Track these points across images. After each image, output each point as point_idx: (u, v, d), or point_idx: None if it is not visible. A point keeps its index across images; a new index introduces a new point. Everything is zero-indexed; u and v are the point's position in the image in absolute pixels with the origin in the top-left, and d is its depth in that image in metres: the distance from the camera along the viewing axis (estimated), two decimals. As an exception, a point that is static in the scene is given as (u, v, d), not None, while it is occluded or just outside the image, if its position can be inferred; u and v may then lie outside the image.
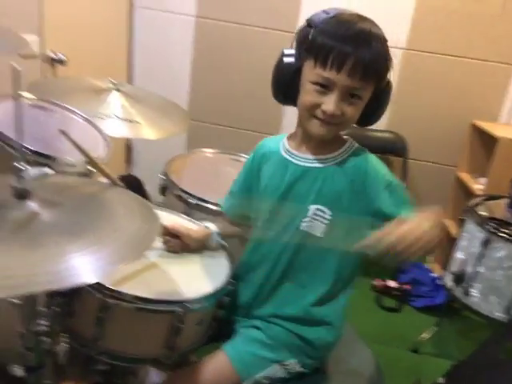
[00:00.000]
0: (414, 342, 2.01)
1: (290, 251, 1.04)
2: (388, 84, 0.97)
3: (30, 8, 1.79)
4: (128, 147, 2.89)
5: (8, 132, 1.08)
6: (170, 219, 1.23)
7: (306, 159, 1.03)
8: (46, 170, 0.73)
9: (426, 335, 2.02)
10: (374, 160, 1.01)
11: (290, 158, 1.05)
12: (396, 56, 2.52)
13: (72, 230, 0.70)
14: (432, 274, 2.46)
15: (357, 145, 1.04)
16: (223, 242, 1.19)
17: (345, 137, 1.04)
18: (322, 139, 1.00)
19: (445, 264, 1.96)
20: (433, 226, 0.83)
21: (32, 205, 0.71)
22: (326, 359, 1.14)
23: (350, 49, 0.88)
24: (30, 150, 1.07)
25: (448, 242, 2.57)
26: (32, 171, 0.71)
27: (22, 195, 0.70)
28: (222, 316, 1.12)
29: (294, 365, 1.06)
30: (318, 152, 1.02)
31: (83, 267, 0.65)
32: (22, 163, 0.69)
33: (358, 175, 0.98)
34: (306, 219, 1.01)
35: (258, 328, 1.08)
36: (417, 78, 2.56)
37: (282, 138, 1.11)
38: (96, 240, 0.69)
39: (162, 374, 1.50)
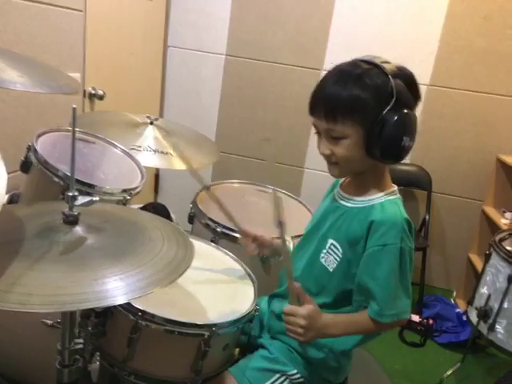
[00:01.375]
0: (438, 379, 1.97)
1: (309, 280, 1.08)
2: (384, 118, 0.92)
3: (75, 49, 1.94)
4: (156, 177, 3.00)
5: (52, 161, 1.17)
6: (198, 247, 1.29)
7: (342, 197, 1.08)
8: (94, 198, 0.80)
9: (450, 371, 1.98)
10: (389, 216, 0.97)
11: (336, 195, 1.11)
12: (421, 92, 2.57)
13: (114, 254, 0.77)
14: (457, 310, 2.42)
15: (394, 197, 1.02)
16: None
17: (391, 187, 1.03)
18: (349, 179, 1.07)
19: (469, 299, 1.94)
20: (308, 332, 0.96)
21: (79, 230, 0.79)
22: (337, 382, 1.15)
23: (321, 93, 0.96)
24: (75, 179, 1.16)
25: (473, 277, 2.55)
26: (80, 199, 0.79)
27: (72, 221, 0.78)
28: (243, 342, 1.16)
29: (296, 375, 1.08)
30: (353, 193, 1.06)
31: (123, 289, 0.71)
32: (73, 192, 0.77)
33: (367, 225, 0.98)
34: (324, 251, 1.07)
35: (262, 346, 1.13)
36: (441, 112, 2.61)
37: None
38: (136, 264, 0.75)
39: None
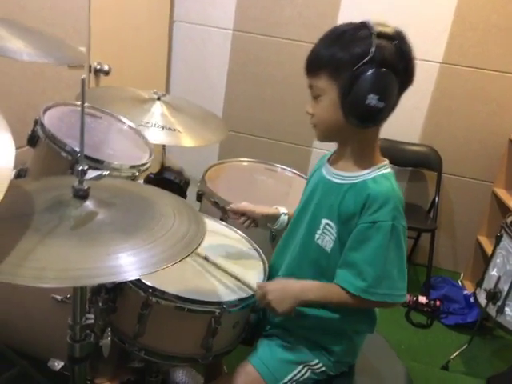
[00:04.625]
0: (444, 360, 1.97)
1: (306, 264, 1.06)
2: (355, 74, 0.89)
3: (80, 22, 1.89)
4: (162, 154, 2.97)
5: (60, 135, 1.15)
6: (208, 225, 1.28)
7: (331, 173, 1.05)
8: (104, 172, 0.78)
9: (457, 353, 1.98)
10: (383, 191, 0.95)
11: (324, 171, 1.08)
12: (432, 70, 2.53)
13: (126, 229, 0.75)
14: (464, 291, 2.42)
15: (386, 171, 1.00)
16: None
17: (382, 161, 1.01)
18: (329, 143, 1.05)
19: (478, 281, 1.92)
20: (280, 304, 0.99)
21: (90, 204, 0.77)
22: (353, 364, 1.15)
23: (310, 51, 0.98)
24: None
25: (482, 259, 2.54)
26: (90, 173, 0.77)
27: (82, 195, 0.76)
28: (253, 320, 1.15)
29: (318, 365, 1.07)
30: (342, 168, 1.03)
31: (136, 264, 0.69)
32: (83, 166, 0.75)
33: (362, 201, 0.95)
34: (319, 232, 1.04)
35: (278, 336, 1.11)
36: (453, 92, 2.55)
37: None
38: (148, 239, 0.74)
39: (191, 377, 1.54)
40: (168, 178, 1.79)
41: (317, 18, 2.57)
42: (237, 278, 1.08)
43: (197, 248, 0.75)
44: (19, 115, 1.62)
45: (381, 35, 0.90)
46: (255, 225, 1.26)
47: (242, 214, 1.23)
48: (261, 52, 2.71)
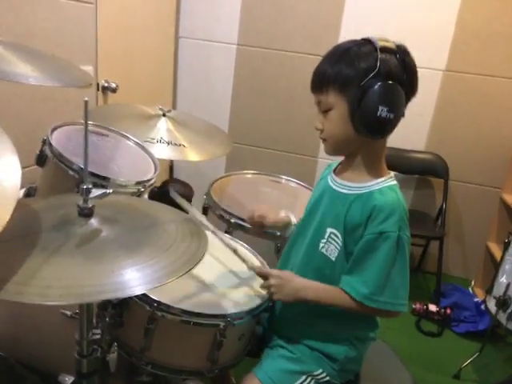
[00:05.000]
0: (456, 369, 1.95)
1: (310, 272, 1.07)
2: (363, 87, 0.93)
3: (87, 41, 1.94)
4: (170, 168, 3.02)
5: (67, 154, 1.18)
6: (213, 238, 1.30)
7: (337, 183, 1.07)
8: (108, 190, 0.80)
9: (468, 361, 1.96)
10: (389, 202, 0.96)
11: (330, 181, 1.10)
12: (436, 78, 2.54)
13: (129, 246, 0.77)
14: (475, 299, 2.40)
15: (392, 183, 1.02)
16: None
17: (388, 174, 1.03)
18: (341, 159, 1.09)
19: (488, 288, 1.91)
20: (281, 290, 1.04)
21: (94, 222, 0.79)
22: (359, 372, 1.15)
23: (315, 69, 1.01)
24: (88, 172, 1.17)
25: (492, 266, 2.51)
26: (94, 192, 0.79)
27: (87, 214, 0.78)
28: (259, 332, 1.16)
29: (322, 375, 1.08)
30: (348, 178, 1.05)
31: (139, 280, 0.71)
32: (87, 185, 0.77)
33: (368, 212, 0.97)
34: (323, 240, 1.05)
35: (281, 346, 1.12)
36: (457, 99, 2.56)
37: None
38: (151, 255, 0.76)
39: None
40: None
41: (320, 30, 2.61)
42: (243, 259, 1.14)
43: (198, 262, 0.77)
44: (29, 135, 1.66)
45: (384, 49, 0.94)
46: (261, 230, 1.28)
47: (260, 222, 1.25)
48: (265, 65, 2.75)
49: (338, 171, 1.09)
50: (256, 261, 1.25)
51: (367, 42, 0.96)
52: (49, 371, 1.22)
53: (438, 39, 2.48)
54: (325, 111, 1.00)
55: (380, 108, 0.92)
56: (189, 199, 1.86)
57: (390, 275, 0.96)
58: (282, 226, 1.27)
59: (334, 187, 1.06)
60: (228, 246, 1.19)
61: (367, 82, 0.92)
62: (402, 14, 2.48)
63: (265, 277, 1.09)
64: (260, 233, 1.28)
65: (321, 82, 0.98)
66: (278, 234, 1.42)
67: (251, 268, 1.14)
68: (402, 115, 0.97)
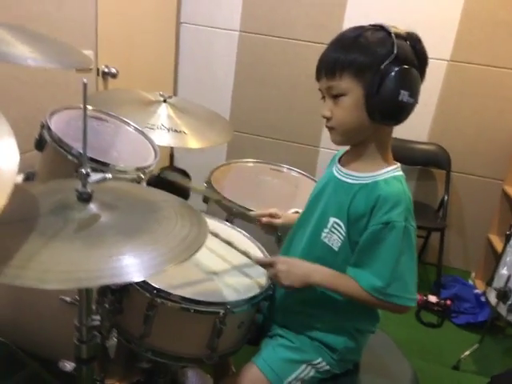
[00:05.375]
0: (455, 360, 1.96)
1: (312, 261, 1.06)
2: (382, 72, 0.91)
3: (87, 25, 1.92)
4: (171, 155, 3.00)
5: (66, 139, 1.16)
6: (213, 226, 1.29)
7: (342, 173, 1.05)
8: (107, 175, 0.79)
9: (467, 353, 1.96)
10: (395, 192, 0.95)
11: (335, 170, 1.08)
12: (440, 68, 2.51)
13: (128, 232, 0.76)
14: (475, 290, 2.40)
15: (398, 173, 1.00)
16: None
17: (394, 164, 1.02)
18: (348, 148, 1.06)
19: (488, 280, 1.90)
20: (288, 275, 1.02)
21: (93, 207, 0.78)
22: (358, 362, 1.16)
23: (323, 55, 0.99)
24: (88, 157, 1.15)
25: (492, 258, 2.51)
26: (93, 176, 0.78)
27: (86, 198, 0.77)
28: (259, 320, 1.16)
29: (322, 364, 1.07)
30: (354, 168, 1.03)
31: (138, 266, 0.70)
32: (86, 170, 0.76)
33: (373, 202, 0.95)
34: (326, 230, 1.04)
35: (281, 336, 1.12)
36: (461, 89, 2.53)
37: None
38: (150, 241, 0.75)
39: (200, 378, 1.55)
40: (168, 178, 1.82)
41: (323, 18, 2.57)
42: (245, 254, 1.12)
43: (198, 250, 0.76)
44: (29, 119, 1.64)
45: (397, 35, 0.92)
46: (273, 231, 1.28)
47: (269, 216, 1.25)
48: (267, 52, 2.71)
49: (344, 161, 1.08)
50: (257, 249, 1.24)
51: (379, 27, 0.94)
52: (49, 357, 1.22)
53: (443, 29, 2.45)
54: (336, 96, 0.97)
55: (402, 92, 0.90)
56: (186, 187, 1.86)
57: (397, 267, 0.94)
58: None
59: (339, 177, 1.05)
60: (224, 241, 1.17)
61: (386, 67, 0.90)
62: (407, 3, 2.45)
63: (270, 265, 1.06)
64: (272, 232, 1.27)
65: (334, 67, 0.95)
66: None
67: (256, 261, 1.11)
68: (417, 101, 0.95)
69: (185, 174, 1.97)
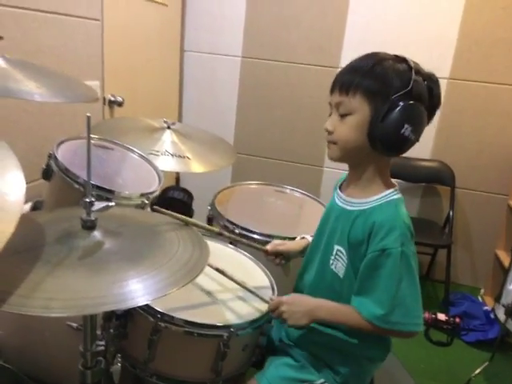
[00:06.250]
0: (466, 378, 1.92)
1: (323, 289, 1.07)
2: (392, 102, 0.92)
3: (93, 57, 1.99)
4: (177, 178, 3.04)
5: (72, 168, 1.20)
6: (216, 248, 1.31)
7: (342, 199, 1.07)
8: (110, 203, 0.82)
9: (478, 370, 1.93)
10: (388, 218, 0.95)
11: (336, 197, 1.10)
12: (440, 85, 2.53)
13: (131, 257, 0.79)
14: (485, 307, 2.37)
15: (396, 197, 1.00)
16: None
17: (391, 187, 1.01)
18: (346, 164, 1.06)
19: (497, 296, 1.89)
20: (293, 315, 1.02)
21: (97, 234, 0.81)
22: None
23: (344, 69, 1.00)
24: (93, 185, 1.19)
25: (501, 274, 2.48)
26: (97, 205, 0.81)
27: (90, 226, 0.80)
28: (263, 343, 1.16)
29: None
30: (352, 194, 1.04)
31: (141, 291, 0.72)
32: (90, 198, 0.79)
33: (369, 229, 0.96)
34: (332, 257, 1.05)
35: (286, 353, 1.12)
36: (462, 106, 2.56)
37: None
38: (153, 266, 0.77)
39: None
40: (171, 197, 1.86)
41: (323, 41, 2.63)
42: (251, 291, 1.11)
43: (200, 273, 0.78)
44: (37, 149, 1.70)
45: (417, 72, 0.94)
46: (287, 260, 1.27)
47: (278, 254, 1.25)
48: (269, 76, 2.77)
49: (344, 187, 1.09)
50: (260, 272, 1.26)
51: (402, 59, 0.96)
52: (56, 383, 1.23)
53: (442, 47, 2.49)
54: (344, 114, 0.97)
55: (405, 126, 0.91)
56: (189, 205, 1.90)
57: (397, 293, 0.93)
58: (302, 250, 1.25)
59: (340, 204, 1.06)
60: (237, 282, 1.15)
61: (396, 98, 0.91)
62: (405, 24, 2.50)
63: (276, 306, 1.05)
64: (282, 263, 1.25)
65: (350, 83, 0.96)
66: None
67: (265, 301, 1.10)
68: (418, 140, 0.96)
69: (186, 192, 2.02)
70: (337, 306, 1.02)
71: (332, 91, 1.01)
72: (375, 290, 0.95)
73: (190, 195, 2.01)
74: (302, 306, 1.03)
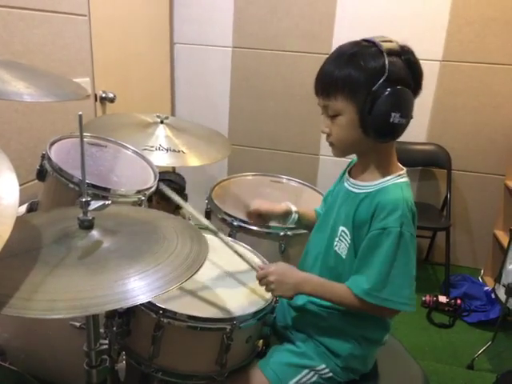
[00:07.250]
0: (469, 359, 1.94)
1: (326, 271, 1.08)
2: (374, 94, 0.92)
3: (82, 54, 1.96)
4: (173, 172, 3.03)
5: (67, 168, 1.19)
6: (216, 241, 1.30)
7: (350, 183, 1.08)
8: (106, 202, 0.81)
9: (481, 351, 1.95)
10: (391, 199, 0.96)
11: (344, 181, 1.11)
12: (433, 68, 2.53)
13: (131, 255, 0.78)
14: (485, 288, 2.38)
15: (402, 180, 1.00)
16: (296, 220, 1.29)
17: (399, 171, 1.02)
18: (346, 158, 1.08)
19: (497, 276, 1.90)
20: (280, 286, 1.03)
21: (95, 233, 0.80)
22: (366, 373, 1.15)
23: (319, 72, 1.00)
24: (88, 184, 1.18)
25: (501, 254, 2.50)
26: (93, 204, 0.80)
27: (87, 226, 0.79)
28: (266, 333, 1.17)
29: (325, 370, 1.08)
30: (360, 178, 1.06)
31: (143, 288, 0.72)
32: (86, 198, 0.78)
33: (373, 210, 0.97)
34: (336, 239, 1.06)
35: (288, 340, 1.14)
36: (456, 88, 2.55)
37: None
38: (153, 262, 0.77)
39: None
40: (162, 178, 1.89)
41: (313, 28, 2.61)
42: (242, 256, 1.14)
43: (200, 268, 0.77)
44: (31, 149, 1.69)
45: (390, 52, 0.93)
46: (266, 222, 1.32)
47: (258, 214, 1.27)
48: (261, 66, 2.75)
49: (352, 172, 1.10)
50: (258, 261, 1.26)
51: (371, 44, 0.95)
52: (61, 383, 1.23)
53: (433, 29, 2.47)
54: (333, 116, 0.99)
55: (392, 115, 0.92)
56: (181, 187, 1.90)
57: (391, 272, 0.95)
58: (283, 215, 1.27)
59: (348, 187, 1.08)
60: (230, 246, 1.19)
61: (377, 88, 0.91)
62: (395, 7, 2.47)
63: (263, 276, 1.07)
64: (263, 225, 1.29)
65: (328, 86, 0.97)
66: (282, 233, 1.44)
67: (253, 267, 1.12)
68: (411, 117, 0.97)
69: (178, 175, 2.04)
70: (325, 282, 1.04)
71: (316, 95, 1.02)
72: (369, 268, 0.97)
73: (182, 178, 2.03)
74: (291, 277, 1.05)
